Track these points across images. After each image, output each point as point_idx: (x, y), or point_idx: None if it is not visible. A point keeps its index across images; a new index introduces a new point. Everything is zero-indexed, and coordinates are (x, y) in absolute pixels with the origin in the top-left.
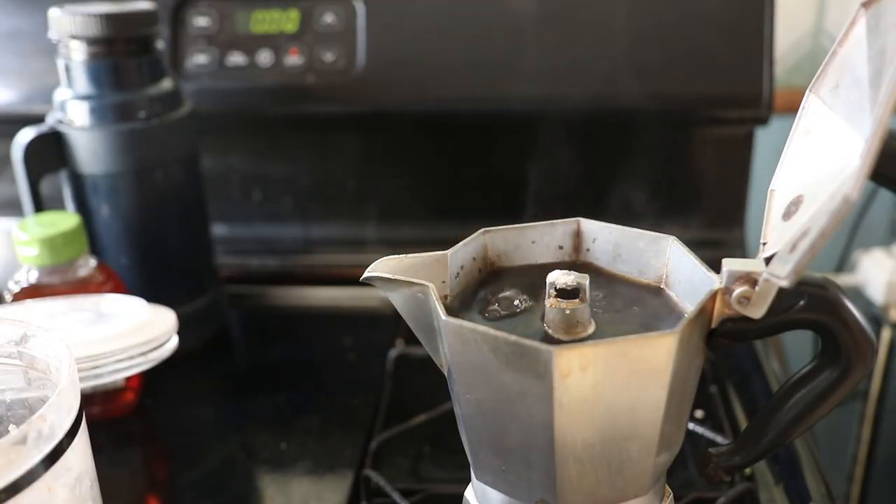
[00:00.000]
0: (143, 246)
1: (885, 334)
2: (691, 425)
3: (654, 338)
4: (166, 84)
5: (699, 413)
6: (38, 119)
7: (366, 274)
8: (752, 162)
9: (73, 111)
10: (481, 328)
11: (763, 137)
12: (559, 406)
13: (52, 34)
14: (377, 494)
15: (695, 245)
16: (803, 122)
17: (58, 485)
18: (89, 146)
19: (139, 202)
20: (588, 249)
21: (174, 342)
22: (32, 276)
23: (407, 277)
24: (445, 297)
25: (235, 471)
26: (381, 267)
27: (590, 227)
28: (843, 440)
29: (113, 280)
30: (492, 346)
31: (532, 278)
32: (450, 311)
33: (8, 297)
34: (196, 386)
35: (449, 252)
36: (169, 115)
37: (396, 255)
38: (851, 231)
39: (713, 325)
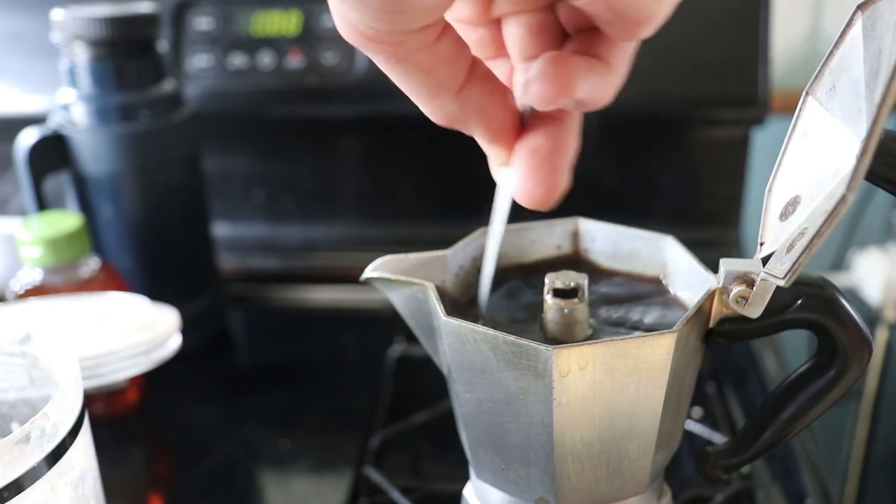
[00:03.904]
0: (146, 246)
1: (881, 334)
2: (689, 424)
3: (652, 337)
4: (168, 85)
5: (697, 412)
6: (40, 120)
7: (365, 274)
8: (749, 162)
9: (75, 112)
10: (481, 328)
11: (761, 138)
12: (558, 405)
13: (55, 36)
14: (377, 492)
15: (691, 245)
16: (800, 123)
17: (61, 483)
18: (92, 147)
19: (141, 202)
20: (587, 249)
21: (176, 341)
22: (36, 276)
23: (406, 277)
24: (445, 297)
25: (237, 469)
26: (381, 267)
27: (588, 226)
28: (839, 438)
29: (115, 280)
30: (491, 345)
31: (531, 276)
32: (449, 311)
33: (11, 296)
34: (198, 385)
35: (449, 252)
36: (171, 117)
37: (396, 255)
38: (848, 231)
39: (711, 325)
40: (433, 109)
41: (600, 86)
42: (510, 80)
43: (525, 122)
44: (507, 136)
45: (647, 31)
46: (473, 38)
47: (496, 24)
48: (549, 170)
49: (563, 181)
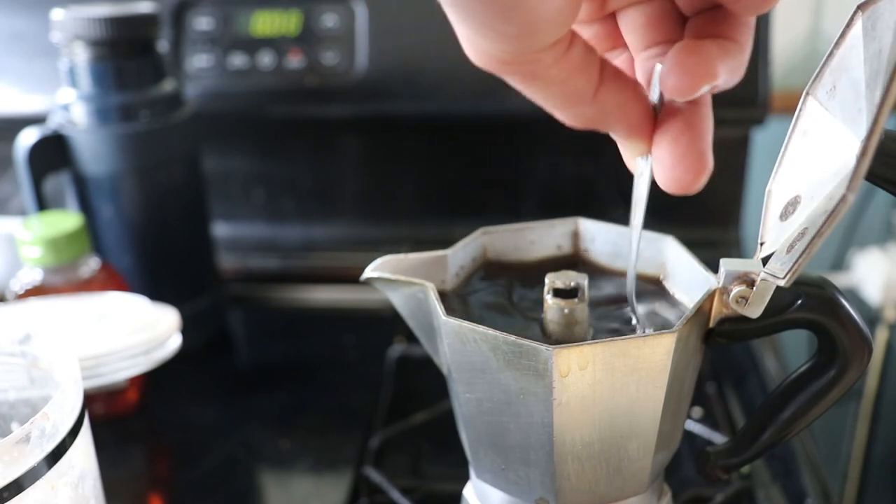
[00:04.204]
0: (146, 246)
1: (881, 334)
2: (689, 424)
3: (652, 337)
4: (168, 85)
5: (697, 412)
6: (40, 120)
7: (366, 274)
8: (749, 162)
9: (75, 112)
10: (481, 328)
11: (761, 139)
12: (558, 405)
13: (55, 36)
14: (377, 492)
15: (691, 245)
16: (800, 123)
17: (61, 483)
18: (92, 147)
19: (141, 202)
20: (587, 249)
21: (176, 341)
22: (36, 276)
23: (407, 277)
24: (445, 296)
25: (237, 469)
26: (381, 267)
27: (588, 226)
28: (839, 438)
29: (115, 280)
30: (491, 345)
31: (531, 276)
32: (448, 310)
33: (11, 296)
34: (197, 385)
35: (449, 252)
36: (171, 116)
37: (396, 255)
38: (848, 231)
39: (711, 325)
40: (571, 116)
41: (734, 66)
42: (631, 70)
43: (657, 110)
44: (645, 128)
45: (774, 2)
46: (588, 35)
47: (611, 18)
48: (695, 155)
49: (709, 163)
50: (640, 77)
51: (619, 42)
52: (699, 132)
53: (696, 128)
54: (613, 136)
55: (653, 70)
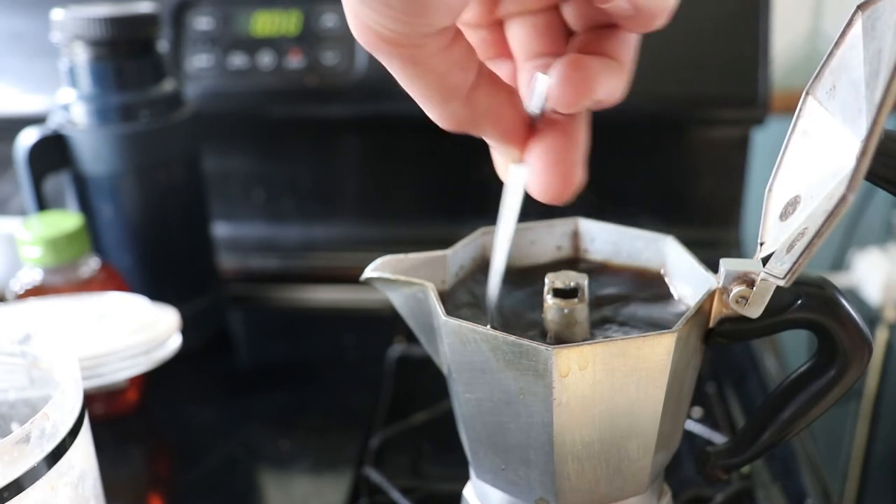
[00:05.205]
0: (146, 246)
1: (881, 334)
2: (689, 424)
3: (652, 337)
4: (168, 85)
5: (697, 412)
6: (40, 120)
7: (365, 274)
8: (749, 162)
9: (75, 112)
10: (481, 328)
11: (761, 138)
12: (558, 405)
13: (55, 36)
14: (377, 492)
15: (691, 245)
16: (800, 123)
17: (60, 483)
18: (92, 147)
19: (141, 202)
20: (587, 249)
21: (176, 341)
22: (36, 276)
23: (406, 277)
24: (445, 296)
25: (237, 469)
26: (381, 267)
27: (588, 227)
28: (839, 438)
29: (115, 280)
30: (491, 345)
31: (531, 276)
32: (448, 309)
33: (11, 296)
34: (197, 385)
35: (449, 252)
36: (171, 116)
37: (396, 255)
38: (848, 231)
39: (711, 325)
40: (444, 114)
41: (616, 84)
42: (512, 80)
43: (534, 120)
44: (518, 134)
45: (663, 21)
46: (474, 40)
47: (498, 25)
48: (566, 166)
49: (580, 175)
50: (523, 86)
51: (502, 51)
52: (574, 143)
53: (571, 138)
54: (487, 140)
55: (534, 79)
